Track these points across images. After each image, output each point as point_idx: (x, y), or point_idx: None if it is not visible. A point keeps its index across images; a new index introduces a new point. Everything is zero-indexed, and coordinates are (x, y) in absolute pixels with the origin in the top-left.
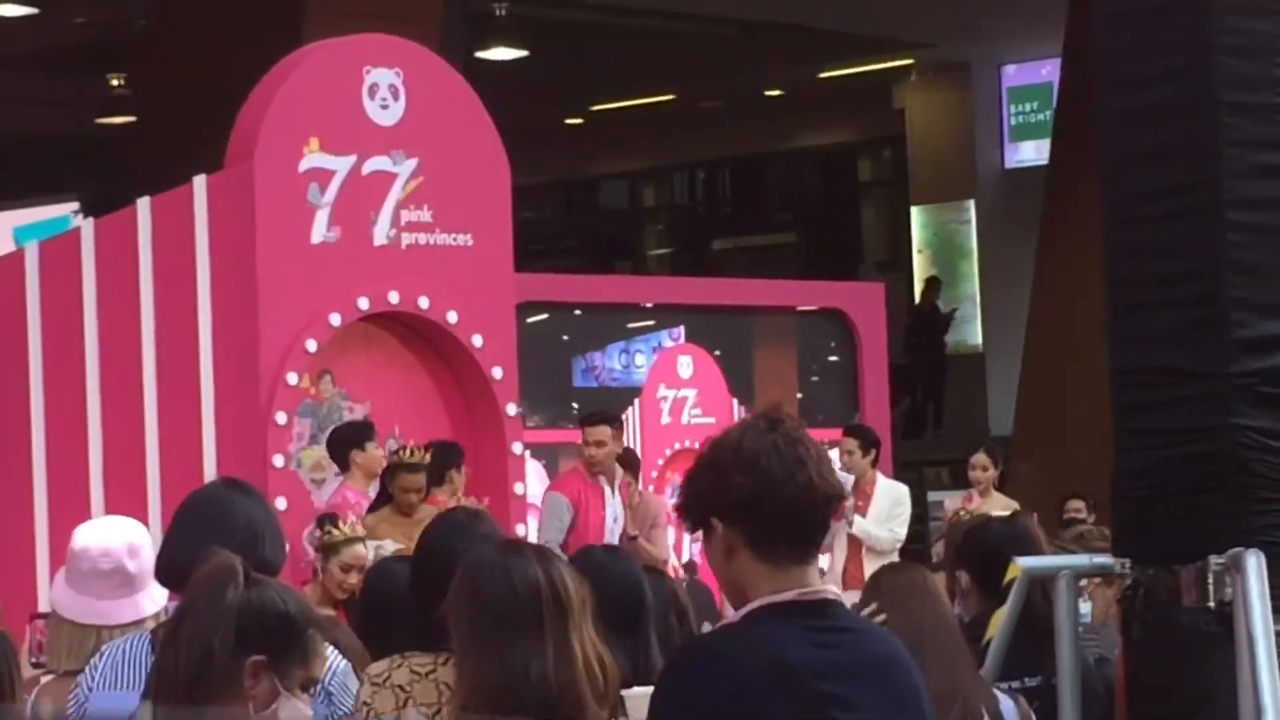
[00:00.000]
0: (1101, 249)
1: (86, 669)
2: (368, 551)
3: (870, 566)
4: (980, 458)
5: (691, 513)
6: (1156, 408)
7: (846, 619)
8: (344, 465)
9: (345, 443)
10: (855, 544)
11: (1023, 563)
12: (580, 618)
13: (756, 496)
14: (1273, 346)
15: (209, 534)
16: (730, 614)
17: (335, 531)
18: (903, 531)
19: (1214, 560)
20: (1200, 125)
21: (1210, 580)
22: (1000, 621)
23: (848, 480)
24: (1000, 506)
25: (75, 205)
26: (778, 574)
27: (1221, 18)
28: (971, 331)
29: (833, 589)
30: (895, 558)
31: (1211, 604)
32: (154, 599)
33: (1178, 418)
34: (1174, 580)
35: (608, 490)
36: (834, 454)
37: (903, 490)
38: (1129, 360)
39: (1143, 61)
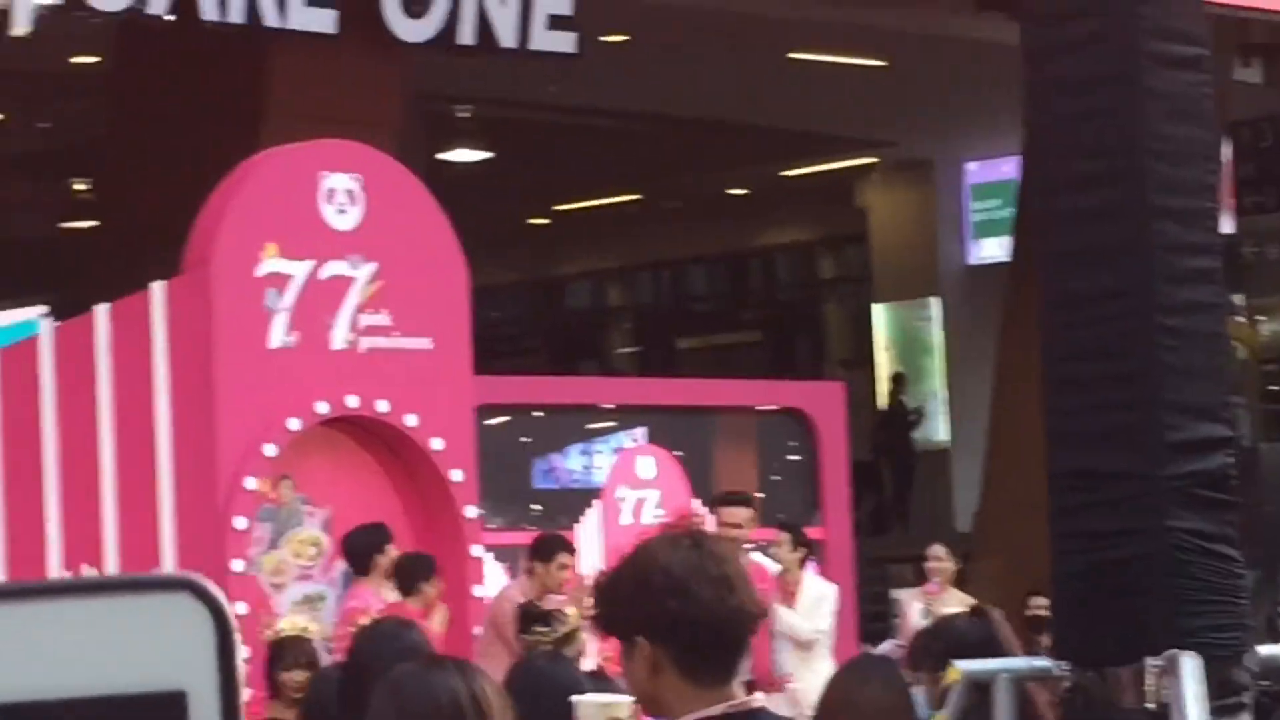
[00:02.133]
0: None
1: None
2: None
3: (787, 657)
4: (937, 549)
5: (614, 626)
6: (1092, 510)
7: None
8: (364, 568)
9: (367, 546)
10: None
11: (961, 665)
12: None
13: (688, 622)
14: (1205, 448)
15: None
16: None
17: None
18: (825, 625)
19: (1150, 662)
20: (1132, 230)
21: (1148, 682)
22: None
23: (774, 567)
24: (957, 602)
25: (45, 309)
26: (703, 692)
27: (1153, 124)
28: (936, 428)
29: (759, 698)
30: (819, 649)
31: (1150, 706)
32: None
33: (1113, 520)
34: (1112, 682)
35: None
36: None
37: (829, 589)
38: (1065, 462)
39: (1076, 165)
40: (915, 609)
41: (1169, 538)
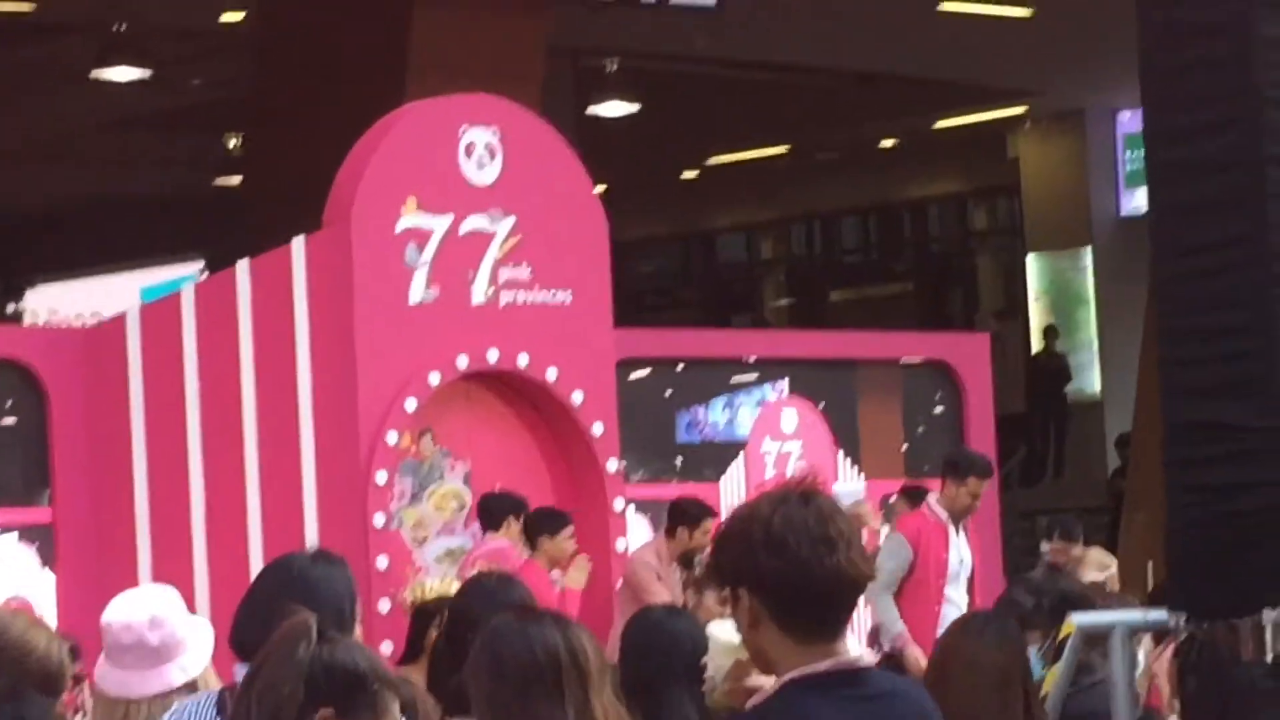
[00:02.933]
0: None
1: None
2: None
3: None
4: (1056, 544)
5: (720, 576)
6: (1208, 462)
7: (879, 684)
8: (496, 525)
9: (504, 509)
10: None
11: (1076, 619)
12: (600, 684)
13: (783, 579)
14: None
15: (268, 606)
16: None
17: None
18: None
19: (1268, 614)
20: (1246, 178)
21: (1267, 634)
22: (1055, 678)
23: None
24: (1095, 565)
25: (201, 265)
26: (803, 649)
27: (1267, 71)
28: (1090, 379)
29: (867, 655)
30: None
31: (1269, 658)
32: (185, 668)
33: (1229, 472)
34: (1231, 634)
35: (953, 531)
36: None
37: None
38: (1180, 414)
39: (1188, 114)
40: None
41: None
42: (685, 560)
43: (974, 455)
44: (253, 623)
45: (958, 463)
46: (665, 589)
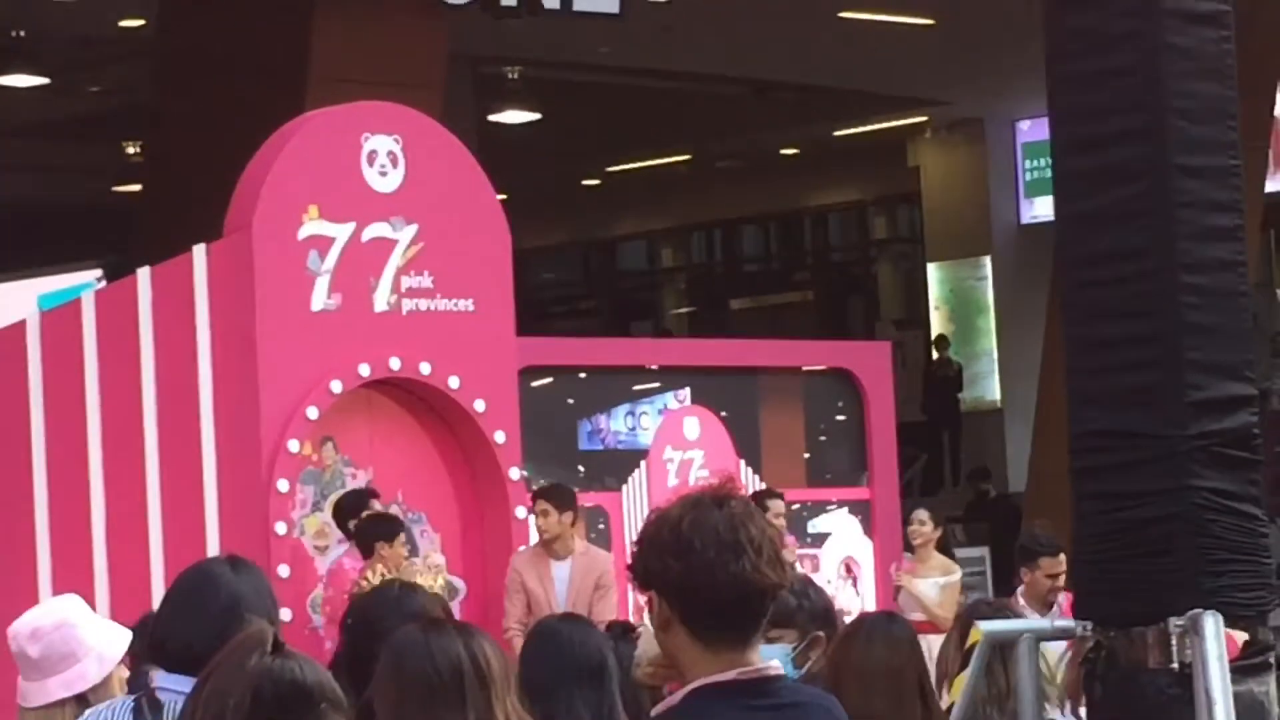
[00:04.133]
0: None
1: None
2: None
3: None
4: (920, 514)
5: (635, 578)
6: (1115, 470)
7: (789, 694)
8: (348, 533)
9: (350, 511)
10: None
11: (984, 626)
12: (503, 691)
13: (688, 583)
14: (1228, 408)
15: (188, 612)
16: None
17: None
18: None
19: (1174, 622)
20: (1154, 188)
21: (1172, 642)
22: (962, 686)
23: None
24: (939, 569)
25: (99, 272)
26: (711, 656)
27: (1175, 81)
28: (989, 387)
29: (775, 665)
30: None
31: (1174, 666)
32: (69, 683)
33: (1135, 480)
34: (1137, 642)
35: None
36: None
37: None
38: (1088, 423)
39: (1096, 124)
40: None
41: (1192, 497)
42: None
43: (1040, 537)
44: (173, 628)
45: (1025, 547)
46: (526, 594)
